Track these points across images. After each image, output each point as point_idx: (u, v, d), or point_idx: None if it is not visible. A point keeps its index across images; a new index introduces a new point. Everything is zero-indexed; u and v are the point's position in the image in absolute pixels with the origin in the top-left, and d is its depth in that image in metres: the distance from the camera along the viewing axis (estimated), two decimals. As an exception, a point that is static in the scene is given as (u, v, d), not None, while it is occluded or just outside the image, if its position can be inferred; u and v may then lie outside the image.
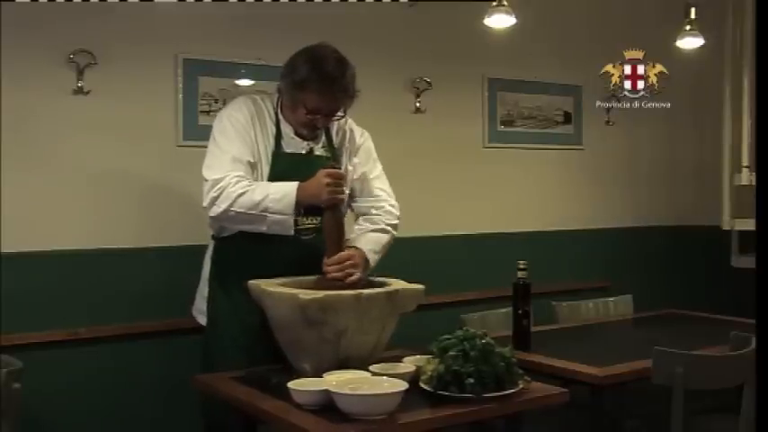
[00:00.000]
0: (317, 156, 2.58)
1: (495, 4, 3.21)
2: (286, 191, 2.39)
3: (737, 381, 2.54)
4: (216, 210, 2.40)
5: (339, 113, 2.53)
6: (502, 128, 4.04)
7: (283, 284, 2.29)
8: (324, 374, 2.07)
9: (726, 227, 4.46)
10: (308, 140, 2.58)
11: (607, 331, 3.42)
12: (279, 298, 2.20)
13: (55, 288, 2.89)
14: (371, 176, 2.69)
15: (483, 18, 3.26)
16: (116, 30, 2.98)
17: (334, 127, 2.64)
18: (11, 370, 2.36)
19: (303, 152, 2.56)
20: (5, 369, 2.35)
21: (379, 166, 2.74)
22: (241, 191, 2.38)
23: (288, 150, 2.54)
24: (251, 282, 2.35)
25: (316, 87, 2.44)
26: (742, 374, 2.50)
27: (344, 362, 2.17)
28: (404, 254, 3.49)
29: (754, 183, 4.06)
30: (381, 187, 2.71)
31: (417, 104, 3.73)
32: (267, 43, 3.24)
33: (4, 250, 2.76)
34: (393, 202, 2.72)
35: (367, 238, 2.59)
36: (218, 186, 2.39)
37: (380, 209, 2.68)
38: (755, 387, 2.08)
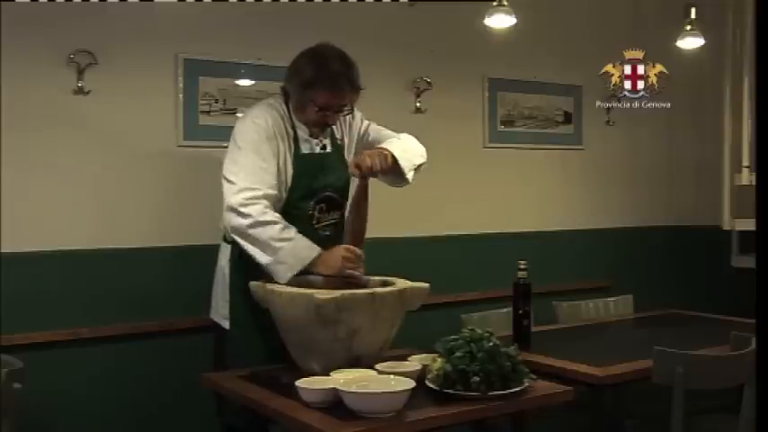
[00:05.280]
0: (331, 152, 2.63)
1: (495, 4, 3.21)
2: (310, 246, 2.40)
3: (737, 381, 2.54)
4: (237, 217, 2.37)
5: (347, 108, 2.58)
6: (502, 128, 4.04)
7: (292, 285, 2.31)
8: (331, 373, 2.09)
9: (726, 227, 4.47)
10: (318, 138, 2.62)
11: (607, 331, 3.43)
12: (291, 298, 2.21)
13: (56, 288, 2.89)
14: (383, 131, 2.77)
15: (483, 18, 3.26)
16: (116, 30, 2.97)
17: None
18: (11, 370, 2.36)
19: (318, 151, 2.61)
20: (6, 369, 2.34)
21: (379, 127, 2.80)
22: (274, 218, 2.38)
23: (305, 152, 2.58)
24: (254, 282, 2.36)
25: (324, 85, 2.48)
26: (742, 374, 2.50)
27: (354, 361, 2.18)
28: (404, 254, 3.51)
29: (754, 183, 4.06)
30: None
31: (417, 104, 3.73)
32: (267, 43, 3.24)
33: (4, 250, 2.76)
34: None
35: (393, 143, 2.62)
36: (252, 196, 2.37)
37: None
38: (755, 387, 2.08)
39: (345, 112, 2.61)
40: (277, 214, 2.42)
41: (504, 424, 2.29)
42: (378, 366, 2.13)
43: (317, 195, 2.58)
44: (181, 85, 3.13)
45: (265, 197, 2.41)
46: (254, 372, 2.31)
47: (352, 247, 2.44)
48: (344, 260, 2.40)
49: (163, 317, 3.04)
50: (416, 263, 3.09)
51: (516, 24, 3.27)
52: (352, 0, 3.37)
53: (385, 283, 2.36)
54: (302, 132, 2.59)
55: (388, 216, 3.46)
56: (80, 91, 2.91)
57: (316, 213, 2.59)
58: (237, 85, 3.25)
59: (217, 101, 3.19)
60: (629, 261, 4.40)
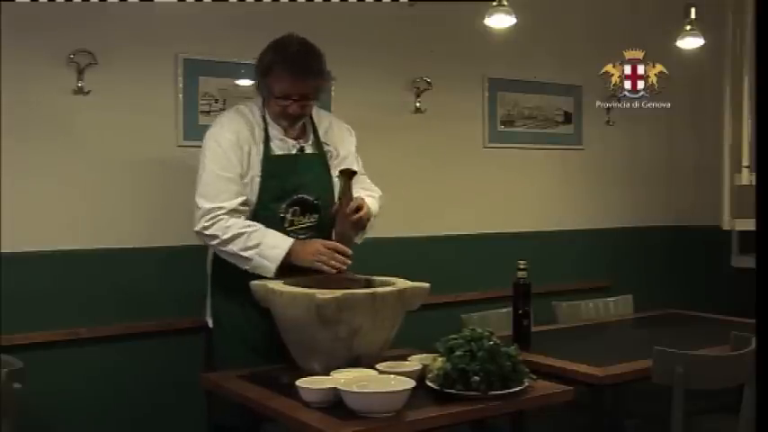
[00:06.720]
0: (309, 154, 2.59)
1: (495, 4, 3.21)
2: (279, 243, 2.42)
3: (737, 381, 2.54)
4: (206, 239, 2.45)
5: (312, 97, 2.52)
6: (502, 128, 4.04)
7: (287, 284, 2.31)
8: (331, 373, 2.09)
9: (726, 227, 4.46)
10: (298, 140, 2.58)
11: (607, 331, 3.43)
12: (292, 298, 2.21)
13: (55, 288, 2.89)
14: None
15: (483, 18, 3.26)
16: (116, 30, 2.98)
17: (323, 125, 2.65)
18: (11, 370, 2.36)
19: (293, 152, 2.57)
20: (5, 369, 2.34)
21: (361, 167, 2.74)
22: (237, 231, 2.41)
23: (277, 152, 2.54)
24: (255, 282, 2.36)
25: (281, 70, 2.45)
26: (742, 374, 2.50)
27: (355, 360, 2.18)
28: (404, 254, 3.51)
29: (754, 183, 4.06)
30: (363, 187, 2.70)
31: (417, 104, 3.72)
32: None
33: (4, 250, 2.76)
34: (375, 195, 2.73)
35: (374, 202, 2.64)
36: (211, 216, 2.42)
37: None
38: (755, 387, 2.08)
39: (310, 104, 2.53)
40: (239, 221, 2.43)
41: (504, 424, 2.29)
42: (378, 366, 2.14)
43: (288, 197, 2.52)
44: (181, 85, 3.13)
45: (228, 212, 2.42)
46: (253, 372, 2.31)
47: (331, 243, 2.43)
48: (317, 254, 2.40)
49: (161, 317, 3.04)
50: (416, 263, 3.10)
51: (516, 24, 3.27)
52: (353, 0, 3.37)
53: (385, 283, 2.36)
54: (276, 132, 2.55)
55: (388, 216, 3.46)
56: (80, 91, 2.91)
57: (288, 216, 2.53)
58: (237, 85, 3.25)
59: (217, 101, 3.20)
60: (628, 261, 4.40)
